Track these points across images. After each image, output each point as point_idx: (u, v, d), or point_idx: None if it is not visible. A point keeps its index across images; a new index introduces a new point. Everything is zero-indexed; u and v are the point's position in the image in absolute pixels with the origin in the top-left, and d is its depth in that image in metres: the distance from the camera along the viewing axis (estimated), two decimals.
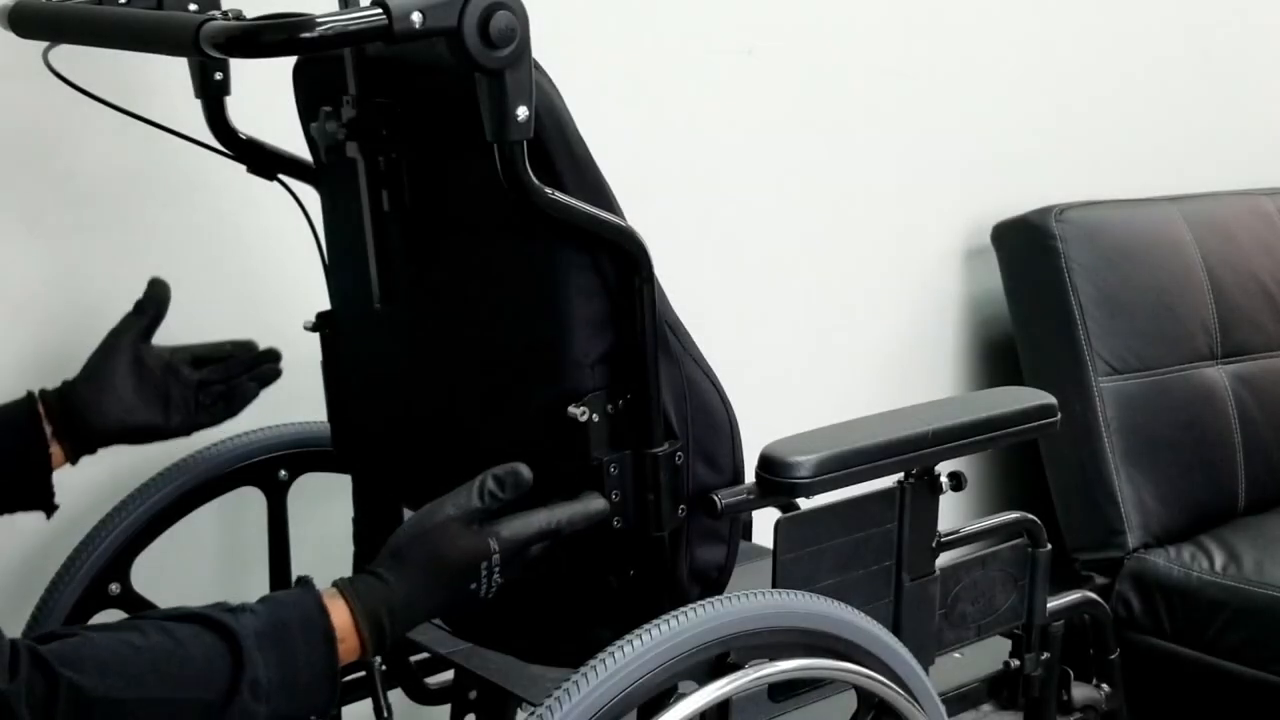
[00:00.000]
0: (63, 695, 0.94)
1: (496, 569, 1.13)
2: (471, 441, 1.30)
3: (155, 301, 1.41)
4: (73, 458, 1.36)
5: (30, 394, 1.35)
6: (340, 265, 1.40)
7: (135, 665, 0.98)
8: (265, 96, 1.37)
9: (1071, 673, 1.61)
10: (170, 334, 1.61)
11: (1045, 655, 1.53)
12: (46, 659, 0.95)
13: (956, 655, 1.48)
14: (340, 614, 1.08)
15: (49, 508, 1.35)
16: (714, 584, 1.27)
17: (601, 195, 1.16)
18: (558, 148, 1.13)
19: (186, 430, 1.42)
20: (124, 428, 1.38)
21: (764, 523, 1.39)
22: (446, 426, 1.34)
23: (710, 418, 1.25)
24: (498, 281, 1.23)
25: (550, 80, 1.12)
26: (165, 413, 1.39)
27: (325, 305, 1.45)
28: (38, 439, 1.33)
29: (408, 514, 1.34)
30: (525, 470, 1.16)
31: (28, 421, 1.33)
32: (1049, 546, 1.50)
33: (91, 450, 1.37)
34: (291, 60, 1.33)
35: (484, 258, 1.23)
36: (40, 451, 1.33)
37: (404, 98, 1.21)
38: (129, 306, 1.43)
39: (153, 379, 1.39)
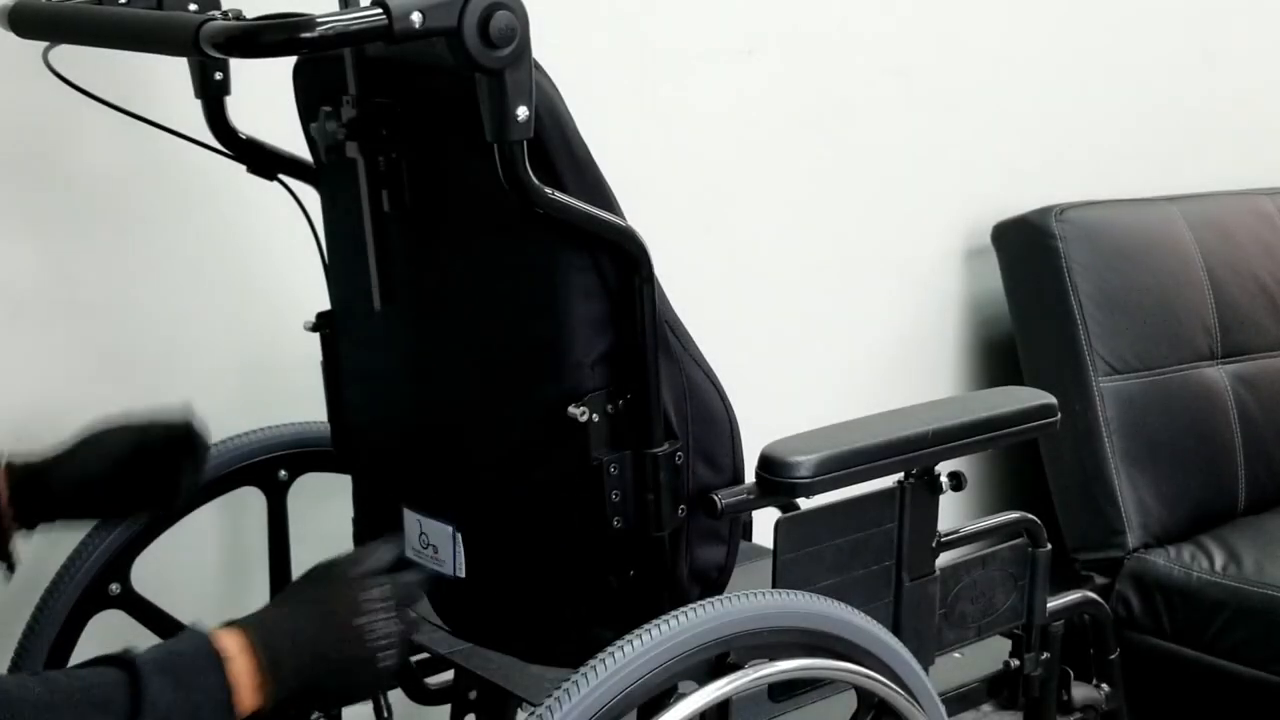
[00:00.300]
0: None
1: (384, 609, 1.15)
2: (472, 441, 1.30)
3: (178, 437, 1.40)
4: (28, 524, 1.35)
5: None
6: (340, 266, 1.40)
7: (37, 697, 1.00)
8: (265, 96, 1.37)
9: (1071, 673, 1.61)
10: (170, 333, 1.62)
11: (1045, 655, 1.53)
12: None
13: (956, 655, 1.48)
14: (231, 639, 1.09)
15: (10, 568, 1.36)
16: (714, 584, 1.27)
17: (601, 195, 1.16)
18: (558, 148, 1.13)
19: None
20: (80, 512, 1.40)
21: (764, 523, 1.39)
22: (446, 426, 1.34)
23: (710, 417, 1.25)
24: (498, 282, 1.23)
25: (550, 80, 1.12)
26: (123, 505, 1.42)
27: (325, 305, 1.45)
28: None
29: (407, 514, 1.34)
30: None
31: None
32: (1049, 546, 1.50)
33: (49, 519, 1.37)
34: (292, 60, 1.33)
35: (484, 258, 1.23)
36: None
37: (404, 98, 1.21)
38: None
39: (124, 475, 1.39)
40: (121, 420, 1.39)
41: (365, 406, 1.44)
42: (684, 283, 1.32)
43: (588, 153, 1.16)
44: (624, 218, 1.16)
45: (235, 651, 1.08)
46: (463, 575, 1.29)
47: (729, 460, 1.27)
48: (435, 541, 1.32)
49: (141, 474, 1.39)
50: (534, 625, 1.31)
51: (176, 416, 1.41)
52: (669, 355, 1.21)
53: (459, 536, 1.30)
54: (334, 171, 1.32)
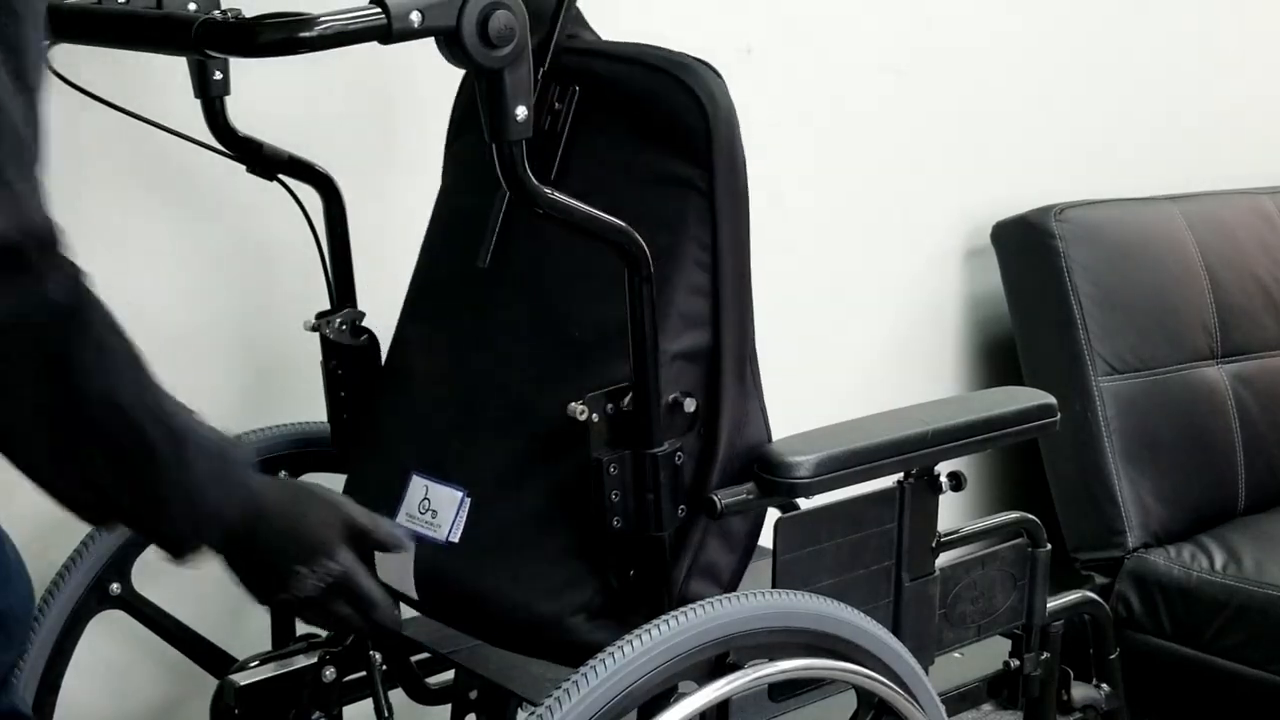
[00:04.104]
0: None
1: (324, 573, 1.08)
2: (517, 413, 1.30)
3: None
4: None
5: None
6: (437, 243, 1.41)
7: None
8: (265, 96, 1.37)
9: (1071, 673, 1.61)
10: (170, 332, 1.62)
11: (1045, 655, 1.53)
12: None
13: (956, 655, 1.48)
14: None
15: None
16: (725, 589, 1.28)
17: None
18: None
19: None
20: None
21: (764, 523, 1.39)
22: (494, 397, 1.34)
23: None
24: (604, 262, 1.23)
25: None
26: None
27: (325, 305, 1.45)
28: None
29: (415, 480, 1.34)
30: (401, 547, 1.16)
31: None
32: (1049, 546, 1.50)
33: None
34: (291, 59, 1.33)
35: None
36: None
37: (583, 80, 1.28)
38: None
39: None
40: None
41: (406, 377, 1.43)
42: None
43: None
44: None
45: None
46: (455, 540, 1.29)
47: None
48: (436, 506, 1.32)
49: None
50: (527, 613, 1.30)
51: None
52: (741, 385, 1.24)
53: (467, 501, 1.30)
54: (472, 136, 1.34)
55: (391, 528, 1.15)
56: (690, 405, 1.22)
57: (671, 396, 1.21)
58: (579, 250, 1.23)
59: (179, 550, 1.05)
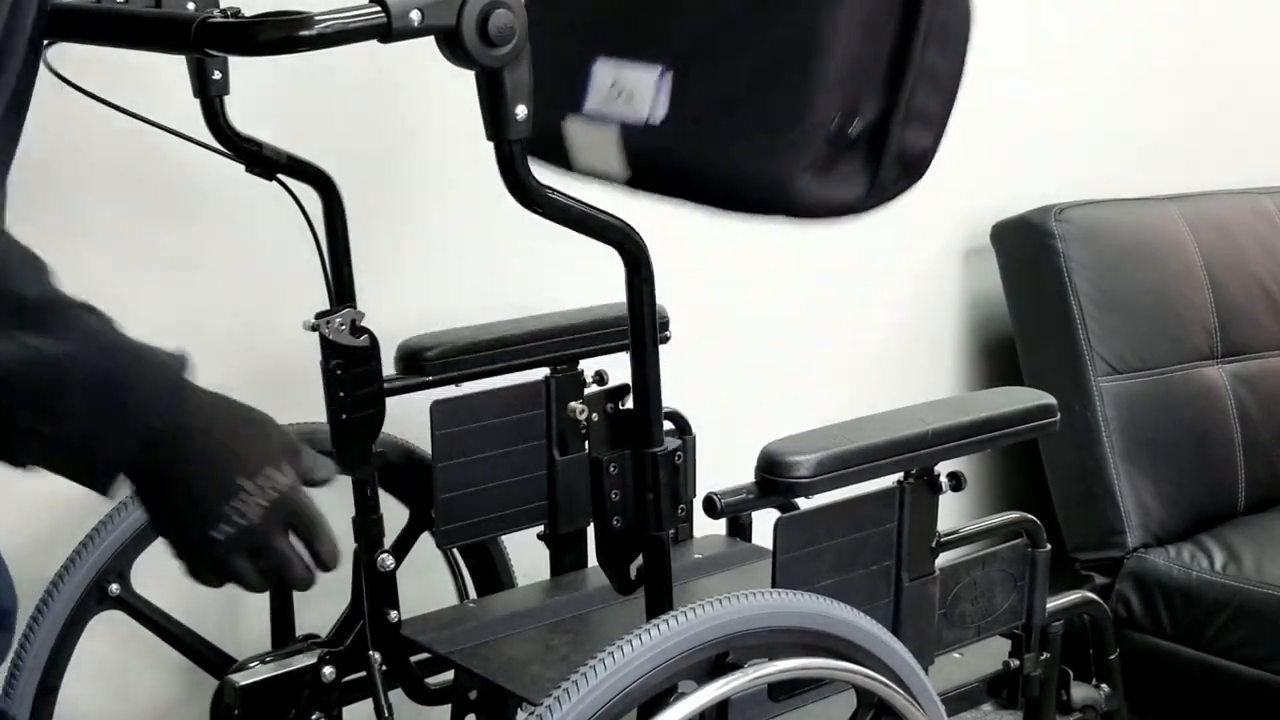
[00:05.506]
0: None
1: (270, 487, 1.02)
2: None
3: None
4: None
5: None
6: None
7: None
8: (265, 96, 1.37)
9: (1071, 673, 1.60)
10: (168, 331, 1.61)
11: (1045, 655, 1.53)
12: None
13: (956, 655, 1.48)
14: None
15: None
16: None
17: None
18: None
19: None
20: None
21: (764, 523, 1.39)
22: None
23: (949, 37, 1.30)
24: None
25: None
26: None
27: (325, 305, 1.45)
28: None
29: (600, 67, 1.27)
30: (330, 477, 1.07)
31: None
32: (1048, 546, 1.50)
33: None
34: (290, 59, 1.33)
35: None
36: None
37: None
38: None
39: None
40: None
41: None
42: (683, 282, 1.32)
43: None
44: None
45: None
46: (660, 117, 1.21)
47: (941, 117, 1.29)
48: (630, 88, 1.23)
49: None
50: (754, 177, 1.25)
51: None
52: None
53: (667, 75, 1.21)
54: None
55: (316, 458, 1.06)
56: None
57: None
58: None
59: (102, 486, 1.00)
